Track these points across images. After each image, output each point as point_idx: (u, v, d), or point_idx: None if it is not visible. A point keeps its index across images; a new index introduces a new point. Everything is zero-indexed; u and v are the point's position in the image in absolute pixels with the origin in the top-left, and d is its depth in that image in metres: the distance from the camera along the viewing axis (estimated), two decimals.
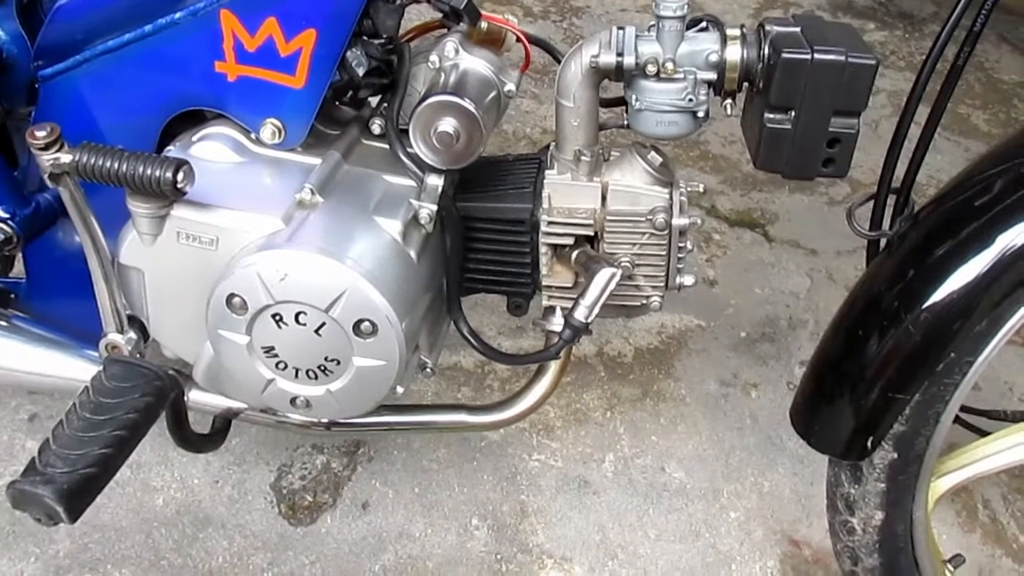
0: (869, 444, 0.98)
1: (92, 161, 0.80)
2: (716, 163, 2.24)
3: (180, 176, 0.80)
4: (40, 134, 0.79)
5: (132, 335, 0.95)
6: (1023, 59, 2.89)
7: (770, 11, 3.05)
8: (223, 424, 1.06)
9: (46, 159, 0.80)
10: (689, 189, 0.99)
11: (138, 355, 0.95)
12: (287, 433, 1.43)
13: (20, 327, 1.11)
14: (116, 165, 0.80)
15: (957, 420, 1.08)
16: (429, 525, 1.37)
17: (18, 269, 1.18)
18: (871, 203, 0.98)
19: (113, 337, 0.95)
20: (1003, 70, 2.81)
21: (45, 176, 0.82)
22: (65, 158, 0.80)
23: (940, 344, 0.92)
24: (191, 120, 0.98)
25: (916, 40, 2.95)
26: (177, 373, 0.98)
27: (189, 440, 0.96)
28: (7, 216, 0.97)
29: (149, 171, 0.79)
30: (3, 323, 1.11)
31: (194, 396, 1.03)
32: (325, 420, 1.06)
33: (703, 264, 1.91)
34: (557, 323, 1.02)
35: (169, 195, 0.82)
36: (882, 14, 3.12)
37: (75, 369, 1.08)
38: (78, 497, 0.77)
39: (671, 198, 0.96)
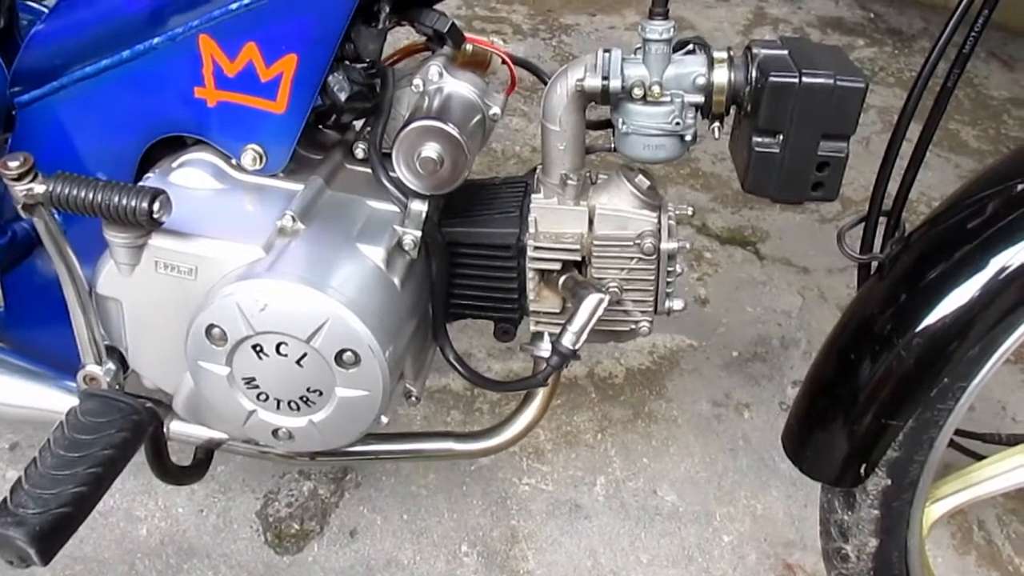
0: (862, 471, 0.96)
1: (66, 191, 0.78)
2: (707, 180, 2.24)
3: (156, 206, 0.78)
4: (13, 164, 0.77)
5: (111, 366, 0.93)
6: (1012, 75, 2.90)
7: (759, 28, 3.06)
8: (205, 455, 1.04)
9: (19, 190, 0.78)
10: (677, 212, 0.98)
11: (117, 386, 0.93)
12: (272, 460, 1.41)
13: None
14: (91, 195, 0.78)
15: (952, 444, 1.07)
16: (418, 552, 1.35)
17: None
18: (862, 225, 0.97)
19: (91, 368, 0.93)
20: (992, 86, 2.82)
21: (19, 207, 0.80)
22: (39, 188, 0.79)
23: (933, 369, 0.91)
24: (171, 146, 0.96)
25: (906, 56, 2.96)
26: (157, 404, 0.96)
27: (170, 473, 0.94)
28: None
29: (124, 201, 0.78)
30: None
31: (175, 427, 1.01)
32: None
33: (694, 283, 1.90)
34: (545, 349, 1.00)
35: (145, 225, 0.80)
36: (871, 30, 3.13)
37: (54, 400, 1.06)
38: (51, 538, 0.75)
39: (659, 222, 0.94)
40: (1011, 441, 1.22)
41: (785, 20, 3.13)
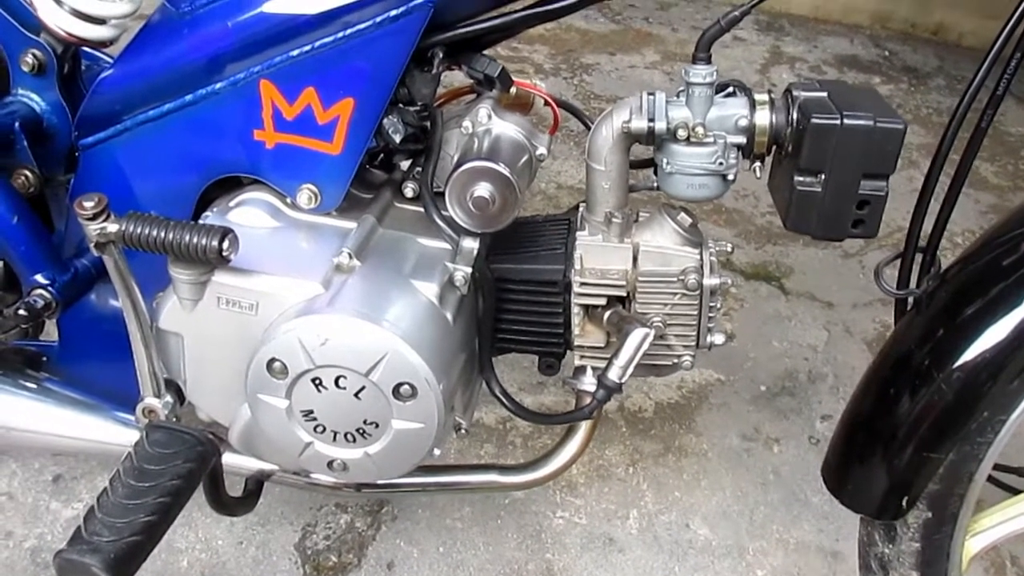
0: (904, 503, 0.98)
1: (138, 230, 0.81)
2: (730, 216, 2.27)
3: (225, 244, 0.81)
4: (88, 204, 0.81)
5: (168, 399, 0.96)
6: None
7: (776, 67, 3.10)
8: (255, 486, 1.06)
9: (93, 228, 0.81)
10: (718, 249, 1.00)
11: (174, 418, 0.96)
12: (311, 492, 1.42)
13: (52, 390, 1.12)
14: (162, 234, 0.81)
15: (989, 478, 1.08)
16: None
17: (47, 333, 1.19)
18: (898, 261, 0.99)
19: (150, 401, 0.95)
20: (1009, 123, 2.85)
21: (91, 245, 0.83)
22: (112, 228, 0.82)
23: (973, 402, 0.93)
24: (227, 185, 1.00)
25: (921, 94, 3.00)
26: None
27: (224, 504, 0.96)
28: (47, 282, 0.98)
29: (195, 239, 0.81)
30: (34, 385, 1.12)
31: (227, 459, 1.03)
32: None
33: (721, 317, 1.91)
34: (588, 383, 1.03)
35: (215, 263, 0.83)
36: (887, 68, 3.17)
37: (107, 432, 1.09)
38: (124, 565, 0.77)
39: (702, 258, 0.97)
40: None
41: (801, 59, 3.18)
